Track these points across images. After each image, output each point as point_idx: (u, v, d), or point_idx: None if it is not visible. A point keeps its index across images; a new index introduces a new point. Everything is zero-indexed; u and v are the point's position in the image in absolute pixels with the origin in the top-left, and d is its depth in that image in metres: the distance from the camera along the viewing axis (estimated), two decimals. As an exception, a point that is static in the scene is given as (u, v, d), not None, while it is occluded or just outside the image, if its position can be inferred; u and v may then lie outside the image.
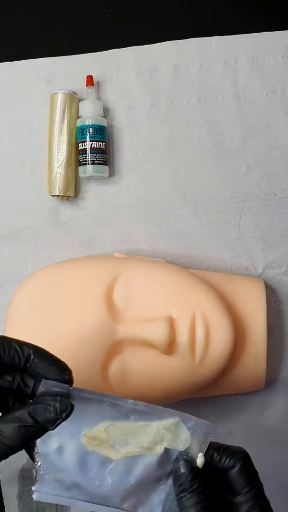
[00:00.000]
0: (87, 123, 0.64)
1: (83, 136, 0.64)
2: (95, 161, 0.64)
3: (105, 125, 0.65)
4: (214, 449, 0.41)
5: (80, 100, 0.66)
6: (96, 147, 0.64)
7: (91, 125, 0.64)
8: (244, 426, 0.65)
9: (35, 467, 0.42)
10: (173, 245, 0.67)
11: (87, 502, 0.42)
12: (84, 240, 0.67)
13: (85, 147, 0.64)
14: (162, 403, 0.50)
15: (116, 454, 0.42)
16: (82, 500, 0.42)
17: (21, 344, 0.41)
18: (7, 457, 0.39)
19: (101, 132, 0.64)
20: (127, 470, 0.42)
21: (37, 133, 0.67)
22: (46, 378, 0.40)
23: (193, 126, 0.66)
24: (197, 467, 0.41)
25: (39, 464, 0.42)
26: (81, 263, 0.62)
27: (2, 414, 0.41)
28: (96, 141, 0.64)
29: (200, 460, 0.41)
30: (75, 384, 0.43)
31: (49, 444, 0.42)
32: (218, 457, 0.41)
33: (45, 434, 0.39)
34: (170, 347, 0.55)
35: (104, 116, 0.66)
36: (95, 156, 0.64)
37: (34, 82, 0.67)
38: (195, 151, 0.66)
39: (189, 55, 0.66)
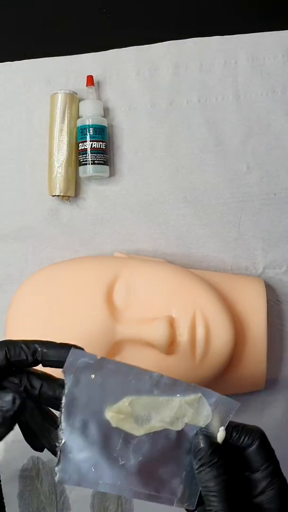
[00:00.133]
0: (87, 123, 0.64)
1: (84, 136, 0.64)
2: (96, 161, 0.64)
3: (106, 125, 0.65)
4: (232, 428, 0.42)
5: (80, 100, 0.66)
6: (96, 147, 0.64)
7: (92, 125, 0.64)
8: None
9: (58, 446, 0.42)
10: (173, 245, 0.67)
11: (110, 484, 0.42)
12: (84, 240, 0.67)
13: (86, 147, 0.64)
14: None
15: (139, 430, 0.42)
16: (104, 484, 0.42)
17: (26, 341, 0.43)
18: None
19: (102, 132, 0.64)
20: (149, 447, 0.42)
21: (37, 133, 0.67)
22: (59, 362, 0.42)
23: (193, 126, 0.66)
24: (216, 442, 0.42)
25: (63, 442, 0.42)
26: (81, 263, 0.62)
27: None
28: (97, 141, 0.64)
29: (221, 434, 0.42)
30: None
31: (73, 421, 0.42)
32: (237, 435, 0.42)
33: (70, 411, 0.41)
34: (170, 347, 0.55)
35: (104, 116, 0.66)
36: (95, 156, 0.64)
37: (34, 82, 0.67)
38: (195, 151, 0.66)
39: (189, 55, 0.66)
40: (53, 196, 0.65)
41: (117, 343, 0.56)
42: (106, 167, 0.65)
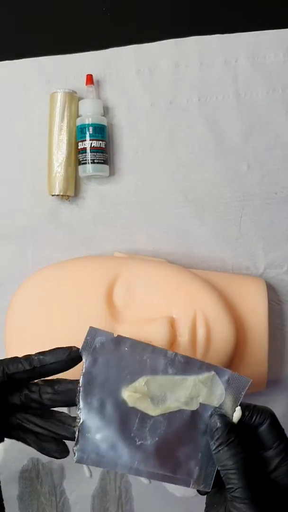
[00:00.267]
0: (87, 122, 0.64)
1: (83, 135, 0.64)
2: (95, 160, 0.64)
3: (105, 124, 0.65)
4: (245, 407, 0.44)
5: (80, 99, 0.65)
6: (96, 146, 0.64)
7: (91, 124, 0.64)
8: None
9: (77, 425, 0.43)
10: (174, 245, 0.66)
11: (128, 465, 0.43)
12: (84, 240, 0.67)
13: (85, 146, 0.64)
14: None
15: (155, 410, 0.43)
16: (122, 464, 0.43)
17: (23, 356, 0.45)
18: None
19: (101, 131, 0.64)
20: (165, 428, 0.43)
21: (37, 132, 0.66)
22: (58, 363, 0.44)
23: (193, 125, 0.66)
24: (232, 422, 0.43)
25: (81, 421, 0.43)
26: (81, 263, 0.61)
27: None
28: (96, 140, 0.64)
29: (237, 414, 0.43)
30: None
31: (91, 400, 0.43)
32: (249, 414, 0.43)
33: (87, 390, 0.42)
34: (171, 347, 0.55)
35: (104, 115, 0.65)
36: (95, 155, 0.64)
37: (33, 81, 0.66)
38: (195, 150, 0.66)
39: (189, 54, 0.65)
40: (52, 195, 0.65)
41: (117, 344, 0.56)
42: (106, 166, 0.65)
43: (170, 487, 0.68)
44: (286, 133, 0.65)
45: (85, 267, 0.60)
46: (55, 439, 0.46)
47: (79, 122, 0.64)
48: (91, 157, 0.64)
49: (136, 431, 0.43)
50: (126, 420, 0.43)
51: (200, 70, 0.66)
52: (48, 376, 0.45)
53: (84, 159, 0.64)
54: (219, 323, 0.56)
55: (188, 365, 0.44)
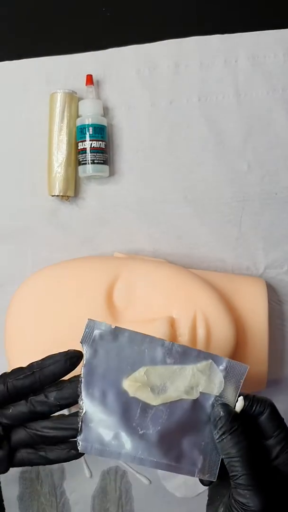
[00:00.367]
0: (86, 123, 0.64)
1: (83, 135, 0.64)
2: (95, 161, 0.64)
3: (105, 124, 0.65)
4: (244, 397, 0.44)
5: (79, 99, 0.65)
6: (96, 146, 0.64)
7: (91, 124, 0.64)
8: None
9: (80, 416, 0.43)
10: (174, 245, 0.66)
11: (131, 455, 0.43)
12: (84, 240, 0.67)
13: (85, 147, 0.64)
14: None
15: (155, 400, 0.44)
16: (125, 453, 0.43)
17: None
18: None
19: (101, 132, 0.64)
20: (167, 417, 0.43)
21: (37, 133, 0.66)
22: (57, 365, 0.45)
23: (193, 125, 0.66)
24: (234, 411, 0.44)
25: (84, 412, 0.43)
26: (81, 263, 0.61)
27: None
28: (96, 140, 0.64)
29: (240, 403, 0.44)
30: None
31: (92, 391, 0.43)
32: (249, 404, 0.44)
33: (88, 381, 0.43)
34: (171, 347, 0.55)
35: (104, 115, 0.65)
36: (95, 156, 0.64)
37: (33, 81, 0.66)
38: (195, 150, 0.66)
39: (189, 54, 0.65)
40: (52, 196, 0.65)
41: (117, 344, 0.56)
42: (106, 167, 0.65)
43: (170, 487, 0.68)
44: (286, 133, 0.65)
45: (85, 268, 0.60)
46: (64, 441, 0.46)
47: (79, 122, 0.64)
48: (91, 157, 0.64)
49: (138, 421, 0.43)
50: (128, 410, 0.43)
51: (200, 70, 0.65)
52: (49, 381, 0.45)
53: (84, 159, 0.64)
54: (219, 323, 0.56)
55: (185, 354, 0.44)
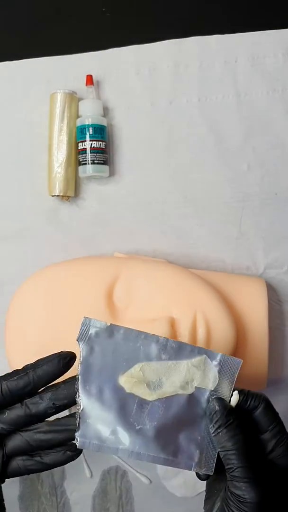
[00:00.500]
0: (87, 123, 0.64)
1: (83, 135, 0.64)
2: (95, 161, 0.64)
3: (105, 124, 0.65)
4: (239, 392, 0.45)
5: (80, 99, 0.65)
6: (96, 146, 0.64)
7: (91, 124, 0.64)
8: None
9: (78, 413, 0.44)
10: (174, 245, 0.66)
11: (129, 450, 0.44)
12: (84, 240, 0.67)
13: (85, 147, 0.64)
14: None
15: (151, 395, 0.44)
16: (123, 449, 0.44)
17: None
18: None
19: (101, 132, 0.64)
20: (163, 412, 0.44)
21: (37, 133, 0.66)
22: (50, 366, 0.45)
23: (193, 125, 0.66)
24: (229, 404, 0.44)
25: (81, 408, 0.44)
26: (81, 264, 0.61)
27: None
28: (96, 140, 0.64)
29: (235, 398, 0.45)
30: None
31: (89, 388, 0.44)
32: (244, 398, 0.45)
33: (85, 378, 0.44)
34: (171, 347, 0.55)
35: (104, 116, 0.65)
36: (95, 156, 0.64)
37: (33, 82, 0.66)
38: (195, 150, 0.66)
39: (189, 54, 0.65)
40: (52, 196, 0.65)
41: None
42: (106, 167, 0.65)
43: (170, 486, 0.68)
44: (286, 133, 0.65)
45: (85, 268, 0.60)
46: (60, 445, 0.46)
47: (79, 122, 0.64)
48: (91, 157, 0.64)
49: (135, 416, 0.44)
50: (125, 406, 0.44)
51: (200, 70, 0.66)
52: (44, 382, 0.45)
53: (84, 159, 0.64)
54: (219, 323, 0.56)
55: (180, 350, 0.45)
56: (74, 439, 0.44)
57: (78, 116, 0.65)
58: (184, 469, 0.45)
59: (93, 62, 0.66)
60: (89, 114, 0.64)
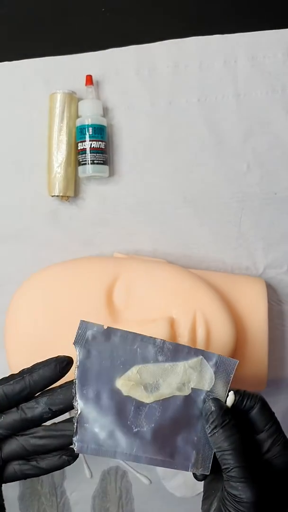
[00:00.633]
0: (86, 123, 0.64)
1: (83, 135, 0.64)
2: (95, 161, 0.64)
3: (105, 124, 0.65)
4: (235, 392, 0.45)
5: (79, 99, 0.65)
6: (95, 146, 0.64)
7: (91, 124, 0.64)
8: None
9: (75, 417, 0.44)
10: (173, 245, 0.66)
11: (126, 452, 0.44)
12: (84, 241, 0.67)
13: (85, 147, 0.64)
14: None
15: (148, 398, 0.44)
16: (121, 452, 0.44)
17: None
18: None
19: (101, 132, 0.64)
20: (160, 414, 0.44)
21: (36, 133, 0.66)
22: (47, 370, 0.45)
23: (193, 125, 0.66)
24: (225, 405, 0.45)
25: (78, 413, 0.44)
26: (81, 264, 0.61)
27: None
28: (96, 140, 0.64)
29: (231, 398, 0.45)
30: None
31: (86, 392, 0.44)
32: (240, 398, 0.45)
33: (82, 382, 0.44)
34: (170, 347, 0.55)
35: (104, 116, 0.65)
36: (94, 156, 0.64)
37: (33, 82, 0.66)
38: (195, 150, 0.66)
39: (188, 54, 0.65)
40: (52, 196, 0.65)
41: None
42: (106, 167, 0.65)
43: (170, 487, 0.68)
44: (285, 133, 0.65)
45: (85, 268, 0.60)
46: (58, 448, 0.46)
47: (78, 122, 0.64)
48: (90, 157, 0.64)
49: (132, 419, 0.44)
50: (122, 409, 0.44)
51: (199, 70, 0.65)
52: (40, 387, 0.45)
53: (84, 159, 0.64)
54: (218, 323, 0.56)
55: (176, 351, 0.45)
56: (70, 444, 0.44)
57: (77, 116, 0.65)
58: (181, 470, 0.45)
59: (92, 62, 0.66)
60: (88, 114, 0.64)
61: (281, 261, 0.66)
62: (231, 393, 0.45)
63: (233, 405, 0.45)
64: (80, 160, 0.64)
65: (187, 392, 0.45)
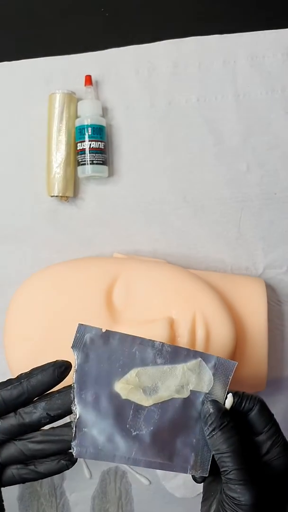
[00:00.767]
0: (85, 123, 0.64)
1: (82, 136, 0.64)
2: (94, 161, 0.64)
3: (104, 124, 0.65)
4: (233, 394, 0.45)
5: (78, 99, 0.65)
6: (95, 147, 0.64)
7: (90, 125, 0.63)
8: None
9: (74, 422, 0.43)
10: (173, 245, 0.66)
11: (125, 456, 0.44)
12: (84, 241, 0.67)
13: (84, 147, 0.64)
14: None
15: (147, 401, 0.44)
16: (120, 455, 0.43)
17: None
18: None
19: (100, 132, 0.64)
20: (159, 417, 0.44)
21: (36, 133, 0.66)
22: (45, 374, 0.44)
23: (192, 126, 0.66)
24: (224, 407, 0.44)
25: (77, 417, 0.43)
26: (80, 264, 0.61)
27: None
28: (95, 140, 0.64)
29: (229, 400, 0.45)
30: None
31: (85, 396, 0.43)
32: (239, 400, 0.45)
33: (81, 386, 0.43)
34: (170, 348, 0.55)
35: (103, 116, 0.65)
36: (94, 156, 0.64)
37: (32, 82, 0.66)
38: (194, 151, 0.66)
39: (188, 54, 0.65)
40: (51, 196, 0.65)
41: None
42: (105, 167, 0.65)
43: (170, 487, 0.68)
44: (285, 133, 0.65)
45: (85, 268, 0.60)
46: (56, 453, 0.46)
47: (78, 123, 0.64)
48: (90, 158, 0.64)
49: (131, 422, 0.44)
50: (121, 412, 0.44)
51: (199, 70, 0.65)
52: (38, 392, 0.45)
53: (83, 160, 0.64)
54: (218, 323, 0.56)
55: (175, 354, 0.45)
56: (68, 449, 0.44)
57: (77, 117, 0.65)
58: (180, 472, 0.45)
59: (92, 62, 0.66)
60: (88, 114, 0.64)
61: (280, 261, 0.66)
62: (230, 395, 0.45)
63: (231, 407, 0.44)
64: (80, 160, 0.64)
65: (186, 394, 0.45)
